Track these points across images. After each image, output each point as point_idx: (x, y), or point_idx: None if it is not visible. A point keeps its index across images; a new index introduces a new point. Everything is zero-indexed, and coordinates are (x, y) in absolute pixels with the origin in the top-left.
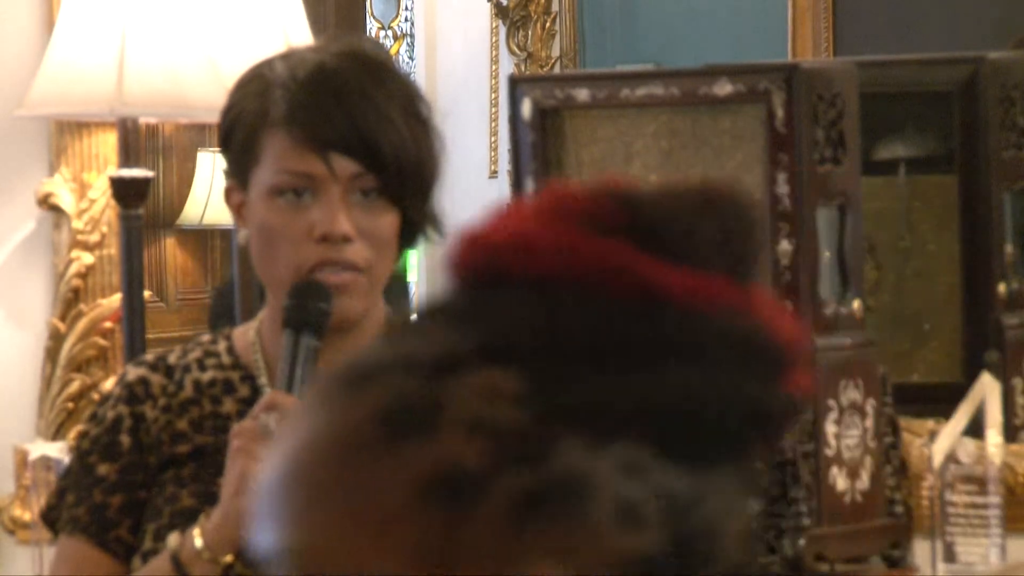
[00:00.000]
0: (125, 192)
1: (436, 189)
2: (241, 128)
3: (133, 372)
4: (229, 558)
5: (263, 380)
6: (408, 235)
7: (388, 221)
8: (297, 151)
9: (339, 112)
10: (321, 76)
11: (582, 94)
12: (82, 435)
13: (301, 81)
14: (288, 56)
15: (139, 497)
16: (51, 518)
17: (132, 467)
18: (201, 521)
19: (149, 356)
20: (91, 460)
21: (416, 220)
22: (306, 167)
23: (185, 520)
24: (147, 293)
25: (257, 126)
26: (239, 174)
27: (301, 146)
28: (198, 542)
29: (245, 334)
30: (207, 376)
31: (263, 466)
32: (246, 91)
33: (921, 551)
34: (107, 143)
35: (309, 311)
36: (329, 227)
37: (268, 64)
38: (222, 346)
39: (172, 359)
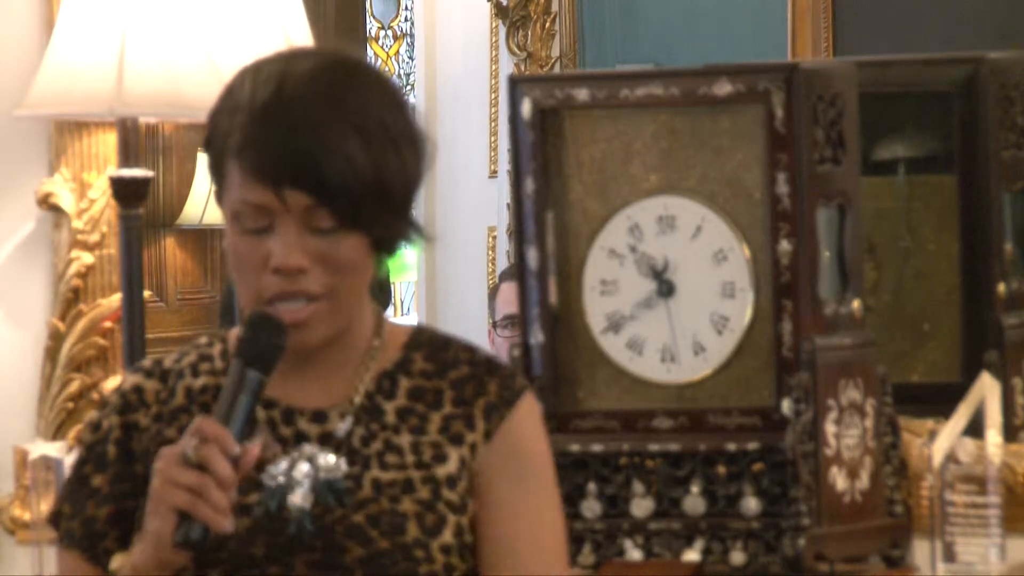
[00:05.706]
0: (125, 192)
1: (410, 202)
2: (214, 145)
3: (129, 379)
4: None
5: None
6: (384, 247)
7: (350, 245)
8: (251, 184)
9: (287, 146)
10: (276, 104)
11: (582, 94)
12: (79, 442)
13: (257, 110)
14: (260, 70)
15: (128, 507)
16: (56, 527)
17: (120, 477)
18: (136, 540)
19: (147, 362)
20: (86, 470)
21: (387, 236)
22: (261, 199)
23: None
24: (147, 293)
25: (223, 150)
26: (216, 184)
27: (254, 180)
28: (132, 561)
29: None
30: (199, 383)
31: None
32: (224, 104)
33: (921, 551)
34: (107, 143)
35: (262, 345)
36: (283, 260)
37: (248, 73)
38: (216, 349)
39: (168, 363)
